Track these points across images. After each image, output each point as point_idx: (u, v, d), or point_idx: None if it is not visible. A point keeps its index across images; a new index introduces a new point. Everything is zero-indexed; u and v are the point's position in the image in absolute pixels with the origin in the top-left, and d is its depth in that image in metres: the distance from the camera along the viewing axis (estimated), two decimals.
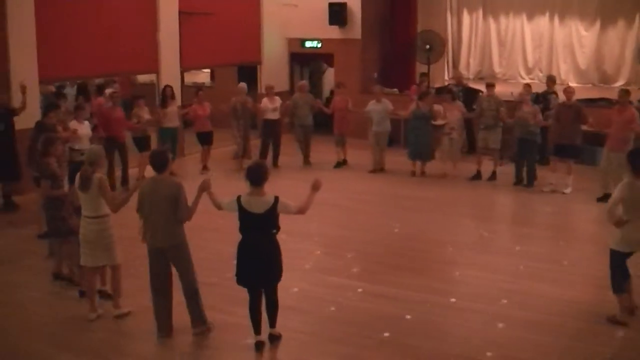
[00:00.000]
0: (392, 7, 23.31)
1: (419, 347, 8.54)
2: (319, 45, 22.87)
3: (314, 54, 23.45)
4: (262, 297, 8.46)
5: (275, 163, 18.14)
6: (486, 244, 12.60)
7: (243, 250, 8.26)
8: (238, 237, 8.32)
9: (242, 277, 8.34)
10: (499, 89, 17.74)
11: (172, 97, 17.42)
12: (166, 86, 17.46)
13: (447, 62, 26.08)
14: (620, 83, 23.72)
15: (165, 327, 8.81)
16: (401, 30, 23.21)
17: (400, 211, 14.37)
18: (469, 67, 26.57)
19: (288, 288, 9.14)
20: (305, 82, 19.35)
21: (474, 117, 17.23)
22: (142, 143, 16.32)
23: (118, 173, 16.06)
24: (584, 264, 11.40)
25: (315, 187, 8.42)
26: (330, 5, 21.95)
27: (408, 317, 9.35)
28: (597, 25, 24.33)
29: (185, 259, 8.72)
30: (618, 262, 9.14)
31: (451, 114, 16.96)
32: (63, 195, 10.28)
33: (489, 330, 8.99)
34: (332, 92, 22.86)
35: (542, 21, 25.52)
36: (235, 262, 8.34)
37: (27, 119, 13.92)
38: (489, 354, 8.37)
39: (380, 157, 17.78)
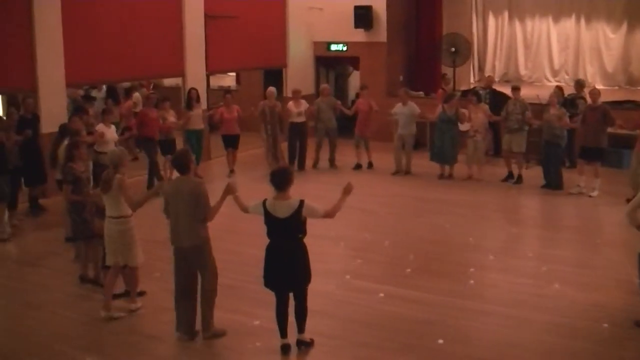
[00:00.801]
0: (418, 10, 23.28)
1: (444, 351, 8.52)
2: (345, 49, 22.87)
3: (339, 57, 23.46)
4: (288, 300, 8.46)
5: (301, 166, 18.24)
6: (513, 247, 12.61)
7: (269, 254, 8.28)
8: (258, 240, 8.37)
9: (269, 280, 8.35)
10: (524, 92, 17.65)
11: (198, 99, 17.51)
12: (191, 89, 17.53)
13: (473, 64, 26.00)
14: None
15: (186, 327, 8.84)
16: (426, 33, 23.19)
17: (425, 214, 14.35)
18: (494, 69, 26.45)
19: (313, 291, 9.13)
20: (327, 86, 19.37)
21: (500, 121, 17.19)
22: (167, 146, 16.35)
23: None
24: (612, 268, 11.32)
25: (347, 191, 8.41)
26: (356, 8, 21.96)
27: (434, 321, 9.33)
28: (624, 27, 24.14)
29: (206, 260, 8.74)
30: None
31: (475, 117, 16.94)
32: (84, 199, 10.36)
33: (515, 335, 8.94)
34: (357, 95, 22.85)
35: (569, 23, 25.36)
36: (263, 264, 8.36)
37: (54, 123, 14.00)
38: (515, 358, 8.34)
39: (407, 160, 17.78)
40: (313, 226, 8.45)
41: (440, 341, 8.74)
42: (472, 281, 10.71)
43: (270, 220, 8.16)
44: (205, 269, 8.74)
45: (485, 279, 11.04)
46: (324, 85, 19.33)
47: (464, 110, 16.99)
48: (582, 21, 25.01)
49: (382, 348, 8.60)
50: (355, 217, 13.61)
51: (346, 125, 19.63)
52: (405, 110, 17.62)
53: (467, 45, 22.54)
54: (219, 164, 18.52)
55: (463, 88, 22.51)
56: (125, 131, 16.99)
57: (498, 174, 17.00)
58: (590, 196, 15.40)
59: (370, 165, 18.48)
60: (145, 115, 16.17)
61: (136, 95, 19.80)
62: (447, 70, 22.14)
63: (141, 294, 9.94)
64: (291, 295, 8.47)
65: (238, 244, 11.90)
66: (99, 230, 9.84)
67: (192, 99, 17.35)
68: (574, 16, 25.19)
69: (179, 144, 16.77)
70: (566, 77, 25.02)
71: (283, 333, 8.49)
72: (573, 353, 8.48)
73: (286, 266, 8.20)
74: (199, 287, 8.84)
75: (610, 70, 24.57)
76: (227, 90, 18.87)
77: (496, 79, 25.32)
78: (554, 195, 15.72)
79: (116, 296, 9.77)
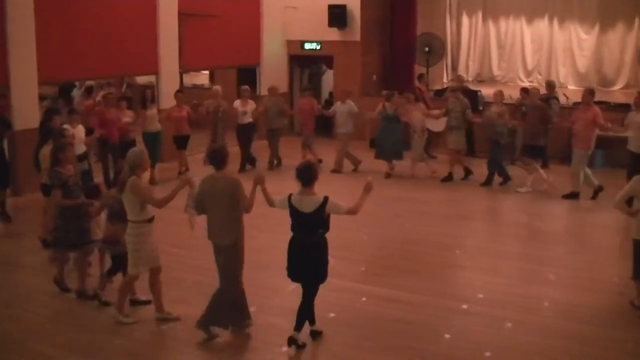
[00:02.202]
0: (392, 10, 23.30)
1: (422, 351, 8.51)
2: (319, 48, 22.86)
3: (313, 56, 23.44)
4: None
5: (252, 165, 18.15)
6: (489, 246, 12.63)
7: (292, 248, 8.41)
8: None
9: (292, 273, 8.50)
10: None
11: (153, 100, 17.05)
12: (146, 88, 17.25)
13: (447, 64, 26.08)
14: (619, 86, 23.76)
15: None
16: (401, 32, 23.20)
17: (401, 213, 14.34)
18: (468, 69, 26.52)
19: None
20: (276, 85, 19.13)
21: (439, 117, 17.58)
22: (126, 149, 15.72)
23: None
24: (588, 267, 11.41)
25: (367, 188, 8.45)
26: (330, 7, 21.96)
27: (412, 320, 9.33)
28: (597, 28, 24.29)
29: (236, 258, 8.67)
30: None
31: (413, 116, 17.23)
32: (74, 204, 9.89)
33: (493, 334, 8.96)
34: (330, 94, 22.86)
35: (542, 24, 25.47)
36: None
37: (26, 121, 13.86)
38: (493, 357, 8.37)
39: (347, 158, 17.81)
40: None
41: (417, 340, 8.75)
42: (445, 279, 10.73)
43: (296, 214, 8.28)
44: (231, 266, 8.65)
45: (462, 278, 11.07)
46: (273, 85, 19.04)
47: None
48: (555, 22, 25.13)
49: (361, 348, 8.58)
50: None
51: (321, 125, 19.67)
52: (343, 109, 17.77)
53: (441, 45, 22.67)
54: (195, 162, 17.90)
55: (437, 87, 22.60)
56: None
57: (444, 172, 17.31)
58: (517, 191, 15.94)
59: (320, 162, 18.14)
60: (103, 116, 15.38)
61: (102, 93, 19.16)
62: (422, 70, 22.19)
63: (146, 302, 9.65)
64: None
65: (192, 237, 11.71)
66: (111, 236, 9.57)
67: (146, 99, 16.75)
68: (547, 17, 25.31)
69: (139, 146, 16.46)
70: (539, 77, 25.15)
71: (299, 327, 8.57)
72: (551, 352, 8.50)
73: (307, 261, 8.34)
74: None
75: (582, 71, 24.70)
76: (179, 89, 18.29)
77: (470, 79, 25.45)
78: (504, 192, 16.19)
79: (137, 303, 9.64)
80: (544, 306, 9.82)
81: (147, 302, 9.58)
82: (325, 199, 8.22)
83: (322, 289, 8.52)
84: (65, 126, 13.40)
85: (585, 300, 10.05)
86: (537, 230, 13.64)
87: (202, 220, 8.77)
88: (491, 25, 26.45)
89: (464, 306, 9.81)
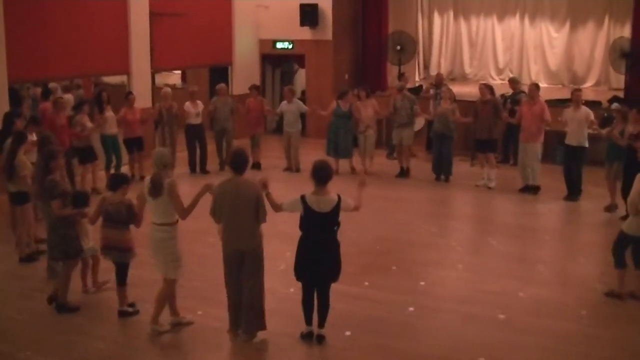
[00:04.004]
0: (364, 9, 23.31)
1: (394, 348, 8.54)
2: (291, 47, 22.86)
3: (285, 55, 23.43)
4: (314, 292, 8.58)
5: (203, 168, 17.99)
6: (457, 243, 12.66)
7: (306, 248, 8.37)
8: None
9: (302, 273, 8.46)
10: (469, 89, 18.10)
11: (109, 102, 16.50)
12: (101, 91, 16.87)
13: (418, 62, 26.16)
14: (590, 83, 23.91)
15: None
16: (373, 31, 23.22)
17: (369, 211, 14.34)
18: (439, 67, 26.49)
19: (268, 290, 9.08)
20: (224, 85, 18.90)
21: (388, 116, 17.87)
22: (85, 154, 15.50)
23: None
24: (556, 263, 11.58)
25: (362, 183, 8.72)
26: (302, 6, 21.96)
27: (383, 318, 9.38)
28: (567, 26, 24.43)
29: (259, 262, 8.57)
30: (625, 242, 9.87)
31: (365, 112, 17.44)
32: (75, 214, 9.65)
33: (464, 331, 9.02)
34: (303, 93, 22.83)
35: (513, 22, 25.57)
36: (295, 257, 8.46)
37: None
38: (464, 354, 8.40)
39: (295, 157, 17.91)
40: (295, 227, 8.48)
41: (391, 338, 8.79)
42: (422, 282, 10.72)
43: (312, 215, 8.24)
44: (256, 271, 8.53)
45: (433, 275, 11.09)
46: (221, 85, 18.86)
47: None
48: (527, 20, 25.23)
49: (332, 346, 8.59)
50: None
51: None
52: (291, 108, 17.88)
53: (412, 43, 22.75)
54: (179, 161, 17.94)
55: (409, 86, 22.62)
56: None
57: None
58: (489, 187, 16.18)
59: (257, 165, 18.28)
60: (52, 122, 14.41)
61: (68, 96, 18.61)
62: (394, 69, 22.25)
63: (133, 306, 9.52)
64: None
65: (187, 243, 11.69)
66: (107, 240, 9.35)
67: (103, 101, 16.30)
68: (518, 15, 25.41)
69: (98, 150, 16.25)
70: (510, 75, 25.19)
71: (309, 321, 8.67)
72: (522, 348, 8.56)
73: (324, 260, 8.35)
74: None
75: (554, 68, 24.84)
76: (129, 91, 17.73)
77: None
78: (453, 187, 16.60)
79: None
80: (517, 302, 9.88)
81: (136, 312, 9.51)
82: (339, 197, 8.29)
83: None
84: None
85: (565, 296, 10.13)
86: (509, 226, 13.79)
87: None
88: (462, 24, 26.51)
89: (441, 304, 9.86)
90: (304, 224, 8.32)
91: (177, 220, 8.74)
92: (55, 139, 11.92)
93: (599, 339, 8.84)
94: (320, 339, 8.63)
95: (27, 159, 11.47)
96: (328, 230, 8.33)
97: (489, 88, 16.77)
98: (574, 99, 15.10)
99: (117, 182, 9.53)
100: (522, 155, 15.69)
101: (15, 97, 17.73)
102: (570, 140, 14.99)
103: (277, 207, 8.49)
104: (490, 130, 16.16)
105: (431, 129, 17.72)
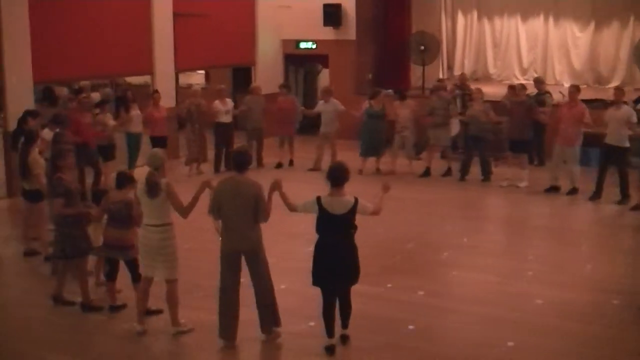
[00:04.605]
0: (387, 8, 23.33)
1: (411, 349, 8.53)
2: (314, 47, 22.89)
3: (308, 55, 23.46)
4: (336, 299, 8.43)
5: (229, 167, 17.76)
6: (477, 245, 12.57)
7: (322, 251, 8.23)
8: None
9: (320, 278, 8.31)
10: (493, 90, 18.28)
11: (134, 100, 16.89)
12: (127, 90, 17.16)
13: (442, 63, 26.07)
14: (614, 84, 23.58)
15: (230, 333, 8.57)
16: (395, 31, 23.23)
17: (387, 212, 14.33)
18: (463, 67, 26.43)
19: (281, 290, 9.08)
20: (258, 85, 19.12)
21: (425, 117, 17.55)
22: (107, 152, 15.62)
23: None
24: (578, 265, 11.44)
25: (385, 188, 8.55)
26: (325, 6, 22.00)
27: (401, 319, 9.34)
28: (592, 26, 24.31)
29: (263, 262, 8.55)
30: None
31: (402, 113, 17.38)
32: (78, 212, 9.61)
33: (482, 333, 8.97)
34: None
35: (537, 22, 25.46)
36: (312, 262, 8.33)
37: None
38: (482, 356, 8.38)
39: (333, 157, 17.63)
40: (280, 224, 8.44)
41: (408, 339, 8.78)
42: (443, 283, 10.73)
43: (327, 217, 8.12)
44: (262, 271, 8.53)
45: (453, 276, 11.09)
46: (255, 84, 19.01)
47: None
48: (551, 20, 25.12)
49: (350, 346, 8.57)
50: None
51: (309, 124, 19.87)
52: (328, 108, 17.79)
53: (436, 43, 22.69)
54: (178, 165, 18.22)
55: (429, 86, 22.56)
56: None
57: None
58: (518, 186, 16.10)
59: (291, 162, 18.54)
60: (78, 121, 14.62)
61: (94, 95, 19.01)
62: (417, 69, 22.23)
63: (157, 312, 9.37)
64: None
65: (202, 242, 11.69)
66: (108, 238, 9.35)
67: (128, 100, 16.72)
68: (542, 15, 25.30)
69: (123, 148, 16.54)
70: (535, 75, 25.06)
71: (330, 333, 8.43)
72: (542, 351, 8.51)
73: (341, 263, 8.21)
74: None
75: (578, 68, 24.71)
76: (155, 90, 17.87)
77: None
78: (486, 187, 16.48)
79: (151, 312, 9.28)
80: (537, 304, 9.81)
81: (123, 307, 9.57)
82: (356, 200, 8.15)
83: (311, 287, 8.45)
84: (44, 131, 13.24)
85: (580, 298, 10.06)
86: (533, 227, 13.77)
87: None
88: (486, 24, 26.43)
89: (461, 306, 9.82)
90: (319, 226, 8.20)
91: (173, 221, 8.74)
92: (68, 138, 11.98)
93: (623, 342, 8.77)
94: (345, 339, 8.57)
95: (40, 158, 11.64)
96: (344, 234, 8.18)
97: (524, 88, 16.72)
98: (615, 98, 14.83)
99: (123, 180, 9.51)
100: (557, 158, 15.47)
101: (51, 97, 18.04)
102: (610, 139, 14.70)
103: (293, 208, 8.38)
104: (522, 131, 15.99)
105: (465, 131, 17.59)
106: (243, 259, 8.50)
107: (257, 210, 8.23)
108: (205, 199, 8.53)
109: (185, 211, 8.58)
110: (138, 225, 9.02)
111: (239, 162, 8.40)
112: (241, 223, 8.27)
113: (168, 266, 8.75)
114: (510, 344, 8.63)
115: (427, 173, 17.38)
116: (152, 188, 8.53)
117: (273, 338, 8.70)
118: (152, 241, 8.65)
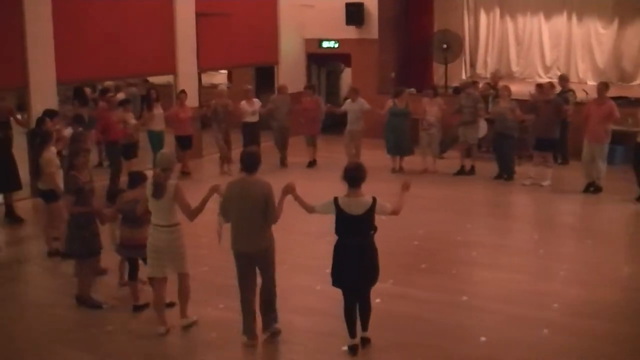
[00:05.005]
0: (409, 7, 23.27)
1: (436, 348, 8.52)
2: (336, 46, 22.88)
3: (331, 54, 23.45)
4: (356, 299, 8.38)
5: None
6: (501, 243, 12.61)
7: (342, 252, 8.16)
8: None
9: (339, 279, 8.26)
10: (515, 88, 18.18)
11: (157, 99, 17.09)
12: (150, 89, 17.32)
13: (465, 61, 25.96)
14: (639, 81, 23.56)
15: (250, 330, 8.62)
16: (418, 30, 23.18)
17: (408, 210, 14.29)
18: (486, 66, 26.39)
19: (301, 288, 9.08)
20: (285, 84, 19.23)
21: (453, 114, 17.55)
22: (128, 150, 15.78)
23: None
24: (602, 264, 11.37)
25: (405, 187, 8.46)
26: (347, 5, 21.99)
27: (426, 318, 9.35)
28: (615, 23, 24.10)
29: (272, 263, 8.56)
30: None
31: (430, 111, 17.34)
32: (89, 211, 9.68)
33: (508, 331, 8.95)
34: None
35: (560, 20, 25.29)
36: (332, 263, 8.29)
37: None
38: (507, 355, 8.35)
39: (356, 156, 17.65)
40: (296, 223, 8.44)
41: (432, 337, 8.76)
42: (468, 282, 10.72)
43: (344, 218, 8.05)
44: (270, 272, 8.56)
45: (478, 275, 11.08)
46: (282, 83, 19.12)
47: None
48: (574, 18, 24.93)
49: (373, 345, 8.56)
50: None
51: (333, 123, 19.89)
52: (354, 107, 17.76)
53: (458, 41, 22.62)
54: (211, 162, 18.41)
55: (455, 84, 22.51)
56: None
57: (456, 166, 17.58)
58: (541, 185, 15.95)
59: (314, 162, 18.58)
60: (107, 119, 15.25)
61: (119, 95, 19.10)
62: (440, 68, 22.16)
63: (170, 305, 9.41)
64: None
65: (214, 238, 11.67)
66: (129, 240, 9.40)
67: (152, 99, 16.95)
68: (565, 13, 25.12)
69: (145, 146, 16.64)
70: (558, 73, 24.88)
71: (352, 333, 8.39)
72: (567, 349, 8.48)
73: (360, 264, 8.14)
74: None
75: (601, 66, 24.51)
76: (182, 90, 17.97)
77: (488, 75, 25.31)
78: (509, 186, 16.43)
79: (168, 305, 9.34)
80: (565, 303, 9.75)
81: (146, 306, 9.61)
82: (374, 200, 8.07)
83: (330, 286, 8.44)
84: (66, 130, 13.41)
85: (611, 297, 10.00)
86: (553, 225, 13.70)
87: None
88: (509, 22, 26.29)
89: (486, 304, 9.80)
90: (338, 227, 8.11)
91: (180, 222, 8.79)
92: (91, 137, 12.47)
93: (636, 338, 8.74)
94: (365, 342, 8.50)
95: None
96: (363, 235, 8.11)
97: (552, 87, 16.66)
98: None
99: (135, 179, 9.59)
100: (587, 155, 15.29)
101: (82, 96, 18.23)
102: None
103: (310, 209, 8.34)
104: (549, 130, 15.86)
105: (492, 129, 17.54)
106: None
107: (267, 211, 8.20)
108: (214, 201, 8.60)
109: (192, 214, 8.61)
110: (145, 224, 9.06)
111: (248, 163, 8.38)
112: (250, 224, 8.25)
113: (177, 259, 8.84)
114: (538, 343, 8.60)
115: (461, 172, 17.34)
116: (157, 189, 8.60)
117: (273, 335, 8.74)
118: (160, 241, 8.73)
